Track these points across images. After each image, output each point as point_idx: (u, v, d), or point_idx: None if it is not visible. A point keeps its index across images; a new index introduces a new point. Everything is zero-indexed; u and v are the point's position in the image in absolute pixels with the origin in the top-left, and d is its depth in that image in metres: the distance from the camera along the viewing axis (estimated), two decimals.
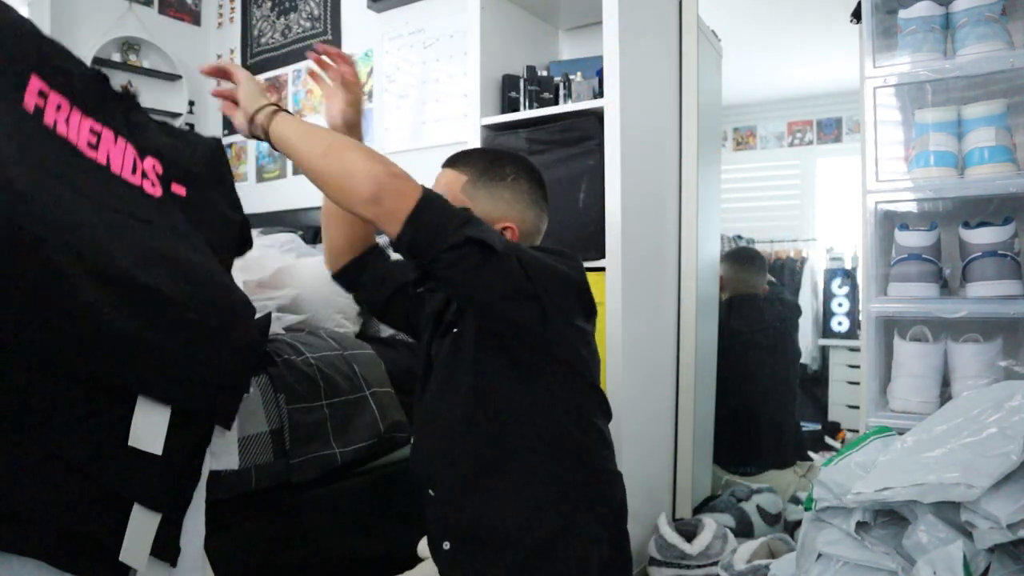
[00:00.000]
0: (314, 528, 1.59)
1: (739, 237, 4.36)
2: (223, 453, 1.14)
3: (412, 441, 1.19)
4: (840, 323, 3.99)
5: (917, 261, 1.44)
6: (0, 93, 0.82)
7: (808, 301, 3.80)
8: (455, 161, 1.16)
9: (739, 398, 2.43)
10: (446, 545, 1.07)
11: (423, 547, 1.58)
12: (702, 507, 2.09)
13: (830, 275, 4.07)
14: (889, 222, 1.52)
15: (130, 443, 0.94)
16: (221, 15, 3.43)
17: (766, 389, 2.51)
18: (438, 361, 1.12)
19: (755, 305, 2.57)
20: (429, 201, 0.92)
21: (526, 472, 1.02)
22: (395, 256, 1.55)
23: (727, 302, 2.53)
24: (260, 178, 3.29)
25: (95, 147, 0.92)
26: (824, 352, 3.67)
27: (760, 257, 2.80)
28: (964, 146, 1.41)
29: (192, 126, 3.39)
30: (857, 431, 1.56)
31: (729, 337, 2.44)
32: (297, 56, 3.13)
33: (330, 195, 0.98)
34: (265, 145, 3.26)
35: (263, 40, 3.26)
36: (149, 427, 0.94)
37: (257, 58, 3.28)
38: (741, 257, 2.74)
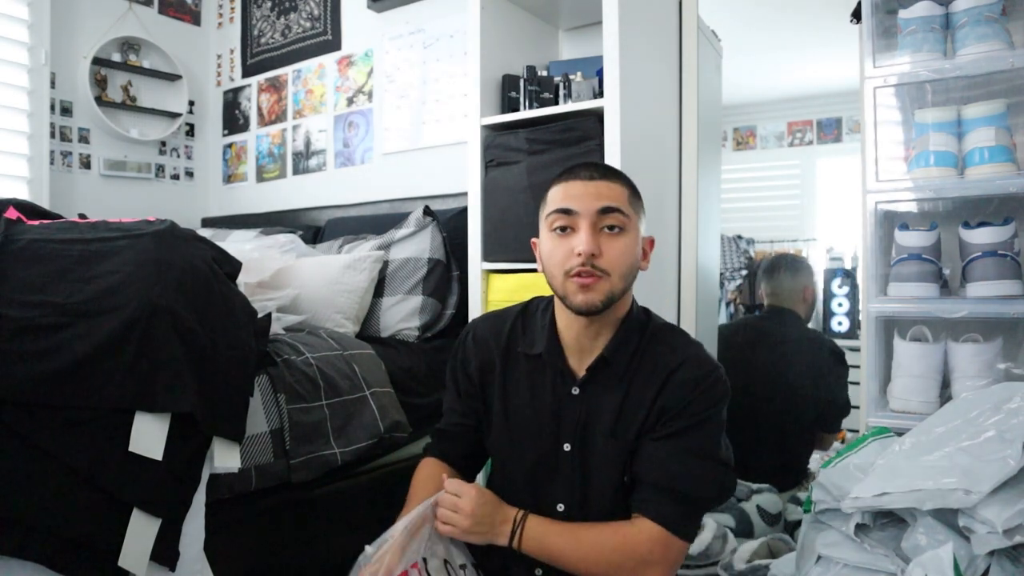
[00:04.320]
0: (314, 528, 1.59)
1: (739, 237, 4.36)
2: (224, 454, 1.15)
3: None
4: (840, 323, 3.99)
5: (917, 261, 1.43)
6: None
7: None
8: (608, 174, 1.13)
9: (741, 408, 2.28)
10: (538, 572, 1.12)
11: None
12: None
13: (830, 275, 4.07)
14: (889, 222, 1.52)
15: (130, 449, 0.94)
16: (221, 15, 3.43)
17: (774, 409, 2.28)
18: None
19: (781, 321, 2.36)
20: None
21: None
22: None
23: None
24: (260, 178, 3.28)
25: None
26: None
27: (783, 268, 2.47)
28: (964, 146, 1.41)
29: (192, 126, 3.40)
30: (857, 431, 1.56)
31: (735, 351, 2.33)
32: (297, 56, 3.13)
33: None
34: (265, 145, 3.28)
35: (263, 40, 3.26)
36: (149, 433, 0.94)
37: (257, 58, 3.28)
38: (774, 267, 2.49)
